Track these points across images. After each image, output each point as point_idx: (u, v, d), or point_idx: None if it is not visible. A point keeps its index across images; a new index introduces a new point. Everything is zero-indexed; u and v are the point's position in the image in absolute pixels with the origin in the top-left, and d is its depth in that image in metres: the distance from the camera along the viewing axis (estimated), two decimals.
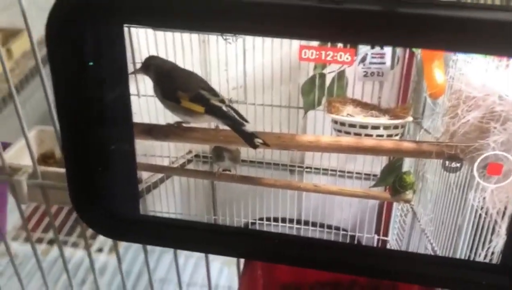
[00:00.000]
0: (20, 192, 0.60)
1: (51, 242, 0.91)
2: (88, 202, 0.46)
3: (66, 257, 0.77)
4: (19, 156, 0.66)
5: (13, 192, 0.60)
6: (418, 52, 0.38)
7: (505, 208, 0.40)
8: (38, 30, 0.43)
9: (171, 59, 0.40)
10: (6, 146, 0.68)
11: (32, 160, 0.59)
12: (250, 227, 0.47)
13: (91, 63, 0.39)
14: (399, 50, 0.38)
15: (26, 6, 0.47)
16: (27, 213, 0.91)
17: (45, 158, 0.93)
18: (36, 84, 0.52)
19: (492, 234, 0.41)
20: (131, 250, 0.86)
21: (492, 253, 0.41)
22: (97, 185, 0.45)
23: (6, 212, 0.82)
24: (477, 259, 0.42)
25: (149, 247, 0.52)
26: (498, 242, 0.41)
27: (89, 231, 0.66)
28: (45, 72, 0.43)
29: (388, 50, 0.38)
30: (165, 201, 0.48)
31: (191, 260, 0.82)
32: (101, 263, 0.85)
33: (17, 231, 0.93)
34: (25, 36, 0.50)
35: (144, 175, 0.46)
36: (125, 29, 0.39)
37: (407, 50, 0.38)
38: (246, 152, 0.45)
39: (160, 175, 0.47)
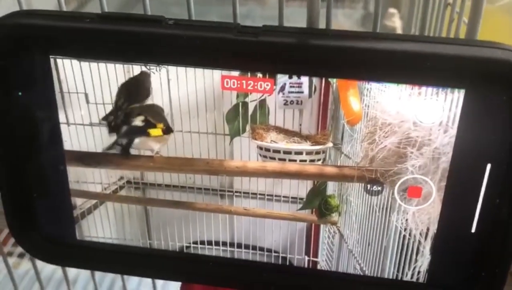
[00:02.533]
0: None
1: (21, 256, 0.90)
2: (25, 228, 0.46)
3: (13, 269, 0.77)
4: None
5: None
6: (334, 81, 0.39)
7: (428, 229, 0.41)
8: None
9: (97, 89, 0.41)
10: None
11: None
12: (185, 250, 0.48)
13: (19, 93, 0.40)
14: (315, 80, 0.39)
15: None
16: None
17: None
18: None
19: (417, 254, 0.42)
20: None
21: (419, 272, 0.43)
22: (33, 211, 0.45)
23: None
24: (404, 278, 0.44)
25: None
26: (423, 262, 0.42)
27: None
28: None
29: (305, 79, 0.39)
30: (100, 227, 0.48)
31: None
32: (73, 274, 0.84)
33: None
34: None
35: (78, 201, 0.46)
36: (51, 60, 0.39)
37: (323, 80, 0.39)
38: (176, 177, 0.46)
39: (94, 201, 0.47)
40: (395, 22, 0.90)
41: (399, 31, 0.89)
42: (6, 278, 0.67)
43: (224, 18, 0.38)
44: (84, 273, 0.84)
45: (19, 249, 0.90)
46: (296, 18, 0.37)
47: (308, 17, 0.38)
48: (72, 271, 0.84)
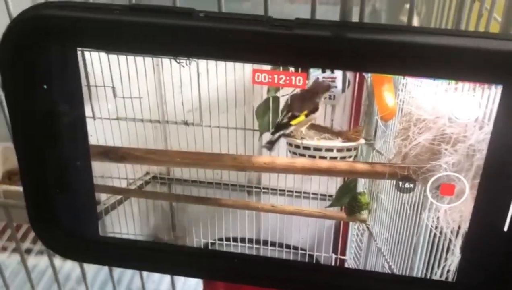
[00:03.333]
0: None
1: (15, 251, 0.90)
2: (47, 224, 0.46)
3: (31, 266, 0.76)
4: None
5: None
6: (368, 76, 0.38)
7: (459, 227, 0.40)
8: None
9: (125, 82, 0.40)
10: None
11: None
12: (209, 247, 0.47)
13: (45, 86, 0.39)
14: (349, 74, 0.39)
15: None
16: None
17: (11, 175, 0.93)
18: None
19: (447, 252, 0.42)
20: None
21: (448, 271, 0.42)
22: (55, 206, 0.45)
23: None
24: (433, 277, 0.43)
25: None
26: (453, 261, 0.41)
27: None
28: None
29: (338, 74, 0.39)
30: (124, 223, 0.48)
31: None
32: (66, 270, 0.84)
33: None
34: None
35: (102, 196, 0.46)
36: (79, 53, 0.38)
37: (357, 74, 0.38)
38: (203, 173, 0.45)
39: (118, 197, 0.47)
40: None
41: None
42: (24, 276, 0.67)
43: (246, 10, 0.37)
44: (103, 272, 0.84)
45: (38, 246, 0.90)
46: (301, 15, 0.36)
47: (341, 10, 0.37)
48: (91, 270, 0.84)
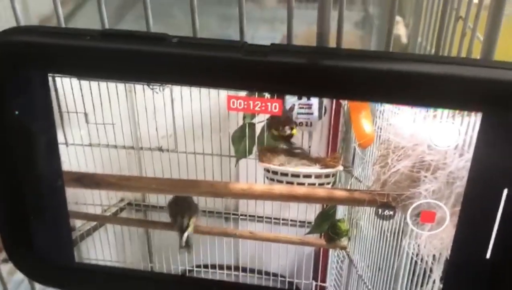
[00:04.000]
0: None
1: None
2: (21, 249, 0.45)
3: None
4: None
5: None
6: (345, 103, 0.38)
7: (440, 254, 0.39)
8: None
9: (97, 108, 0.39)
10: None
11: None
12: (187, 274, 0.46)
13: (16, 112, 0.38)
14: (326, 101, 0.38)
15: None
16: None
17: None
18: None
19: (428, 280, 0.41)
20: None
21: None
22: (30, 232, 0.44)
23: None
24: None
25: None
26: (434, 288, 0.40)
27: None
28: None
29: (315, 101, 0.38)
30: (100, 249, 0.47)
31: None
32: None
33: None
34: None
35: (77, 223, 0.45)
36: (50, 78, 0.38)
37: (334, 101, 0.37)
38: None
39: (93, 223, 0.46)
40: (400, 30, 0.89)
41: (404, 38, 0.88)
42: None
43: (223, 18, 0.37)
44: None
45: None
46: (293, 20, 0.35)
47: (318, 35, 0.36)
48: None
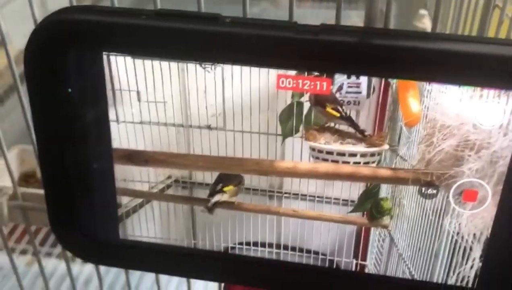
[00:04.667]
0: (0, 214, 0.60)
1: (23, 252, 0.90)
2: (67, 226, 0.46)
3: (50, 269, 0.76)
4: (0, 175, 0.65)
5: None
6: (393, 82, 0.38)
7: (481, 233, 0.40)
8: (19, 42, 0.43)
9: (149, 86, 0.40)
10: None
11: (12, 181, 0.59)
12: (230, 251, 0.47)
13: (69, 90, 0.40)
14: (374, 80, 0.39)
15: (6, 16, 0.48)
16: (10, 225, 0.91)
17: (27, 177, 0.93)
18: (16, 100, 0.52)
19: (468, 259, 0.42)
20: None
21: (469, 277, 0.42)
22: (76, 209, 0.45)
23: None
24: (453, 283, 0.43)
25: None
26: (474, 267, 0.41)
27: None
28: (24, 90, 0.43)
29: (364, 80, 0.39)
30: (145, 226, 0.48)
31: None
32: (86, 275, 0.84)
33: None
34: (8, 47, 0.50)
35: (123, 199, 0.46)
36: (104, 56, 0.39)
37: (382, 80, 0.38)
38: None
39: (139, 200, 0.47)
40: (425, 24, 0.89)
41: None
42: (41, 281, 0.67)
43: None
44: (122, 277, 0.84)
45: (58, 250, 0.90)
46: (308, 20, 0.36)
47: (366, 16, 0.37)
48: (85, 271, 0.84)
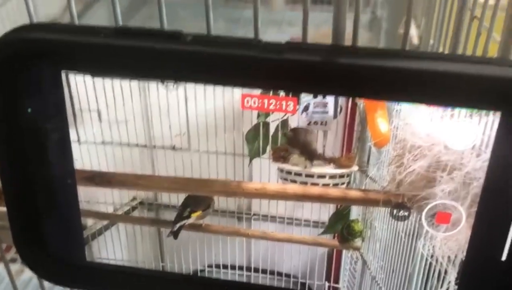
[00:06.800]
0: None
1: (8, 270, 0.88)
2: (32, 248, 0.44)
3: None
4: None
5: None
6: (361, 102, 0.37)
7: (455, 256, 0.39)
8: None
9: (111, 106, 0.39)
10: None
11: None
12: (199, 274, 0.46)
13: (29, 110, 0.38)
14: (341, 100, 0.38)
15: None
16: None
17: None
18: None
19: (443, 282, 0.40)
20: None
21: None
22: (41, 230, 0.43)
23: None
24: None
25: None
26: (449, 289, 0.40)
27: None
28: None
29: (330, 99, 0.37)
30: (111, 248, 0.47)
31: None
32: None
33: None
34: None
35: (88, 221, 0.45)
36: (63, 75, 0.37)
37: (350, 100, 0.37)
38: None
39: (105, 222, 0.46)
40: (411, 31, 0.88)
41: (415, 39, 0.87)
42: (8, 285, 0.65)
43: (229, 20, 0.37)
44: None
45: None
46: (299, 23, 0.35)
47: (333, 34, 0.36)
48: None
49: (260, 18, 0.37)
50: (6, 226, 0.55)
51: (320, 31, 0.36)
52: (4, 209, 0.60)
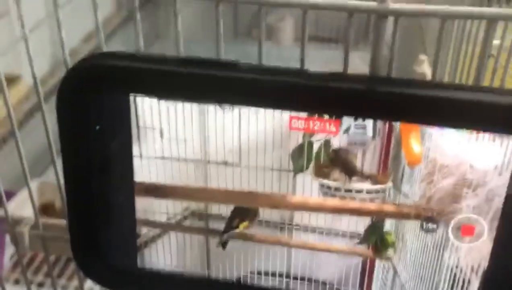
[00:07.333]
0: (21, 243, 0.62)
1: (40, 285, 0.92)
2: (88, 253, 0.48)
3: None
4: (21, 206, 0.68)
5: (15, 242, 0.62)
6: (397, 124, 0.41)
7: (478, 266, 0.43)
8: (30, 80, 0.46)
9: (172, 125, 0.44)
10: (7, 194, 0.70)
11: (34, 212, 0.61)
12: (242, 280, 0.50)
13: (97, 128, 0.43)
14: (379, 123, 0.42)
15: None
16: (27, 257, 0.92)
17: (45, 209, 0.96)
18: (25, 132, 0.55)
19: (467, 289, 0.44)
20: None
21: None
22: (98, 238, 0.47)
23: (3, 259, 0.84)
24: None
25: None
26: None
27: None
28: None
29: (369, 122, 0.42)
30: (162, 255, 0.51)
31: None
32: None
33: (7, 272, 0.94)
34: (21, 82, 0.52)
35: (142, 230, 0.49)
36: (131, 98, 0.42)
37: (387, 123, 0.41)
38: None
39: (158, 230, 0.50)
40: (424, 69, 0.92)
41: (428, 77, 0.90)
42: None
43: (240, 56, 0.41)
44: None
45: (39, 278, 0.92)
46: (310, 60, 0.39)
47: (371, 66, 0.40)
48: None
49: (270, 54, 0.41)
50: (55, 236, 0.60)
51: (328, 67, 0.41)
52: (53, 221, 0.65)
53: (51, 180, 0.55)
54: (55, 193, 0.57)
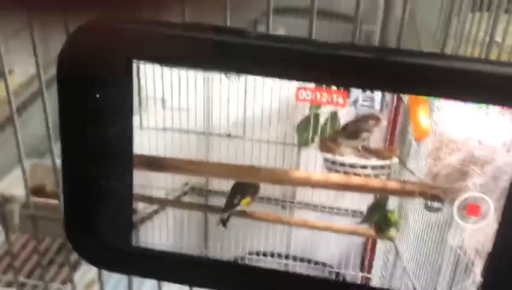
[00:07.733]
0: (11, 222, 0.61)
1: (35, 287, 0.90)
2: (81, 232, 0.47)
3: None
4: (12, 186, 0.67)
5: (3, 221, 0.61)
6: (405, 97, 0.41)
7: (482, 248, 0.42)
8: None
9: (175, 95, 0.43)
10: None
11: (25, 190, 0.60)
12: (240, 261, 0.49)
13: (97, 95, 0.42)
14: (387, 95, 0.41)
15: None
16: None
17: (36, 192, 0.94)
18: (23, 119, 0.54)
19: (470, 272, 0.43)
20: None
21: None
22: (92, 215, 0.46)
23: None
24: None
25: None
26: (475, 281, 0.43)
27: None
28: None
29: (377, 94, 0.41)
30: (158, 233, 0.50)
31: None
32: None
33: None
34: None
35: (139, 206, 0.48)
36: (134, 65, 0.41)
37: (395, 95, 0.41)
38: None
39: (155, 207, 0.49)
40: None
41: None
42: None
43: None
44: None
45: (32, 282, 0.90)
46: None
47: (380, 37, 0.40)
48: None
49: None
50: (47, 216, 0.58)
51: None
52: (45, 200, 0.63)
53: (44, 162, 0.54)
54: (47, 175, 0.56)
